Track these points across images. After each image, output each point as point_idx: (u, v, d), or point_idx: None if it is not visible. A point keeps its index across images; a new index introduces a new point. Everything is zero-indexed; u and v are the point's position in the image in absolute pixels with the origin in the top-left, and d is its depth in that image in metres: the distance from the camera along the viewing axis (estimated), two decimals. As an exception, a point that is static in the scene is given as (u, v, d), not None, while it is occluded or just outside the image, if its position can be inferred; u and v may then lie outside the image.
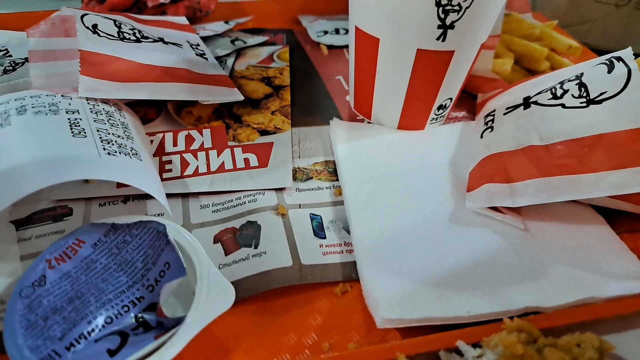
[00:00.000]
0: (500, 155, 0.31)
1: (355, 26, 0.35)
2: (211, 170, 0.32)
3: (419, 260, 0.27)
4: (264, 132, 0.36)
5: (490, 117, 0.35)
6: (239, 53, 0.48)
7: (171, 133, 0.35)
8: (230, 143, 0.35)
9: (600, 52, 0.55)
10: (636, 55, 0.60)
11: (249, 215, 0.29)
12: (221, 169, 0.33)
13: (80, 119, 0.28)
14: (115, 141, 0.28)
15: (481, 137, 0.35)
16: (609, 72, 0.30)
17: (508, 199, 0.28)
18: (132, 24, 0.40)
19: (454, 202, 0.31)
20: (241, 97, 0.38)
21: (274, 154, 0.34)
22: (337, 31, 0.54)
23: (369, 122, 0.39)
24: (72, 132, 0.27)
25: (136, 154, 0.28)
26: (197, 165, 0.33)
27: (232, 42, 0.50)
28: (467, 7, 0.30)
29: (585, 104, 0.29)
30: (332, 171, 0.34)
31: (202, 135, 0.35)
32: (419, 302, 0.24)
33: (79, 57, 0.32)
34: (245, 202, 0.30)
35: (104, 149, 0.26)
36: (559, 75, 0.34)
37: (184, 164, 0.33)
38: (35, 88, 0.31)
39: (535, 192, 0.28)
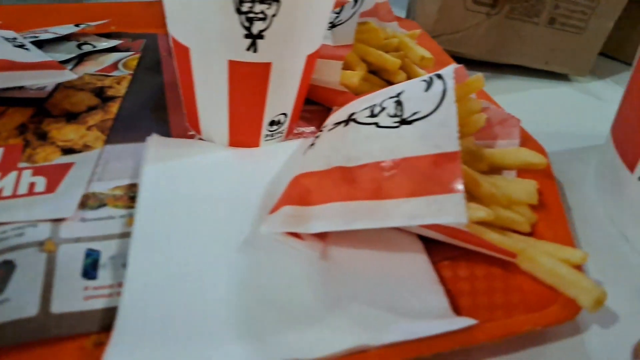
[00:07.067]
0: (309, 176, 0.28)
1: (170, 33, 0.31)
2: (-18, 197, 0.28)
3: (194, 302, 0.23)
4: (68, 151, 0.32)
5: (319, 133, 0.33)
6: (80, 59, 0.44)
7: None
8: (22, 164, 0.30)
9: (472, 63, 0.54)
10: (505, 65, 0.59)
11: (7, 253, 0.25)
12: (-5, 195, 0.28)
13: None
14: None
15: (304, 154, 0.32)
16: (427, 90, 0.28)
17: (302, 224, 0.25)
18: None
19: (255, 229, 0.28)
20: (74, 76, 0.36)
21: (70, 177, 0.30)
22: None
23: (200, 139, 0.35)
24: None
25: None
26: (-32, 191, 0.28)
27: (79, 46, 0.45)
28: (274, 16, 0.27)
29: (397, 124, 0.27)
30: (133, 196, 0.30)
31: (-9, 155, 0.30)
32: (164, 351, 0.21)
33: None
34: (9, 237, 0.26)
35: None
36: (388, 92, 0.31)
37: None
38: None
39: (331, 217, 0.25)
